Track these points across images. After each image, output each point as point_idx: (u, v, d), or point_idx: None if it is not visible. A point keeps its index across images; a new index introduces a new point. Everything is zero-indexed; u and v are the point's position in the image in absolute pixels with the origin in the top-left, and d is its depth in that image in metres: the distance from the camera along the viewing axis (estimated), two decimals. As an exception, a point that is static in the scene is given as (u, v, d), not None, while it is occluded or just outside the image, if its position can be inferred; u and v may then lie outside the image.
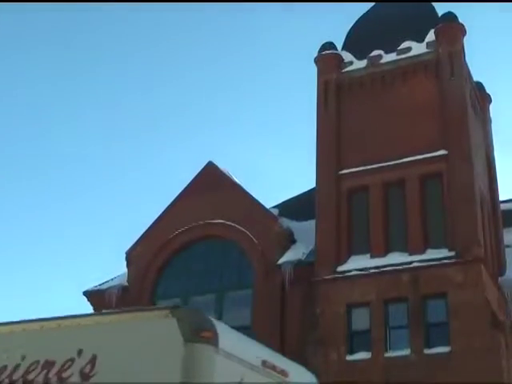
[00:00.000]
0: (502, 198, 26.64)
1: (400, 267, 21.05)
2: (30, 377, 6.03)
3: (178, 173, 66.24)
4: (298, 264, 22.98)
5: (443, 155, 22.12)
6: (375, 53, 24.70)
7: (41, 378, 5.78)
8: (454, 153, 21.98)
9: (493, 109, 27.83)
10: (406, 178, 22.38)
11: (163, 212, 26.37)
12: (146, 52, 68.44)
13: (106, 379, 5.98)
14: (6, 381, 6.14)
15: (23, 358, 5.88)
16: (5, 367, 5.98)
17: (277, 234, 24.09)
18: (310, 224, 23.67)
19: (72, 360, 5.85)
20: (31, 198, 71.06)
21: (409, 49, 24.21)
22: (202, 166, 26.52)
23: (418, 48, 24.11)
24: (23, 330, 6.64)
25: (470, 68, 24.97)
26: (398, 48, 24.34)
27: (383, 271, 21.23)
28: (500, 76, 70.13)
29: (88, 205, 72.17)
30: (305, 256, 23.27)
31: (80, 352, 5.92)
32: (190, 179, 26.47)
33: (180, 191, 26.47)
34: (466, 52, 24.36)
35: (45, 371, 5.81)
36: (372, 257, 21.88)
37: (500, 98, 68.81)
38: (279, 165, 74.34)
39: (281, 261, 23.28)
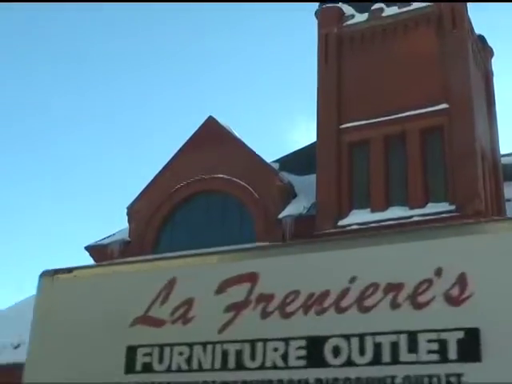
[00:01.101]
0: (502, 151, 26.63)
1: (400, 221, 21.11)
2: (369, 302, 4.84)
3: (178, 128, 66.13)
4: (298, 218, 23.08)
5: (444, 109, 22.05)
6: (376, 6, 24.48)
7: (386, 303, 4.80)
8: (455, 106, 21.91)
9: (495, 63, 27.69)
10: (406, 132, 22.34)
11: (164, 167, 26.38)
12: None
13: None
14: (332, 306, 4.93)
15: (352, 280, 4.93)
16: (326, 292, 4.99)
17: (278, 188, 24.14)
18: (311, 178, 23.70)
19: (429, 281, 4.75)
20: (33, 155, 71.04)
21: (410, 2, 23.97)
22: (203, 121, 26.48)
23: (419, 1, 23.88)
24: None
25: (473, 21, 24.77)
26: (400, 1, 24.09)
27: (384, 225, 21.29)
28: (503, 30, 69.58)
29: (89, 161, 72.19)
30: (306, 210, 23.35)
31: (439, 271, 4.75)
32: (191, 134, 26.45)
33: (180, 146, 26.45)
34: (469, 5, 24.13)
35: (390, 295, 4.80)
36: (373, 211, 21.95)
37: (503, 52, 68.32)
38: (280, 119, 74.17)
39: (282, 215, 23.38)
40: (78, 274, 6.29)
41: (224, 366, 5.13)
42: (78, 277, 6.26)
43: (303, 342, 4.95)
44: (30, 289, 64.35)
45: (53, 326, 6.10)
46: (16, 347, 27.67)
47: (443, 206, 21.04)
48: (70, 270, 6.34)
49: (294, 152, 29.00)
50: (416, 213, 21.15)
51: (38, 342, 6.29)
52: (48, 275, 6.35)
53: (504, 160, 26.78)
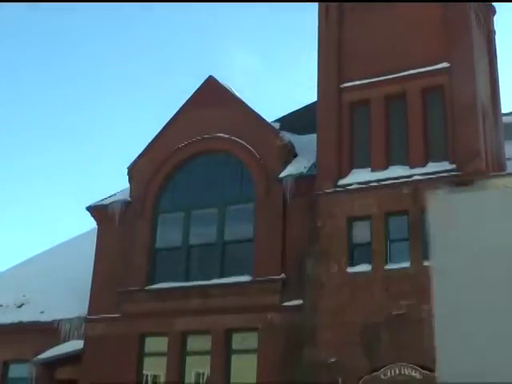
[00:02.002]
0: (504, 110, 26.53)
1: (401, 180, 21.15)
2: None
3: (179, 88, 65.84)
4: (299, 177, 23.11)
5: (445, 68, 21.92)
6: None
7: None
8: (456, 65, 21.78)
9: (497, 20, 27.46)
10: (407, 91, 22.24)
11: (164, 127, 26.34)
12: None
13: None
14: None
15: None
16: None
17: (278, 147, 24.13)
18: (312, 138, 23.67)
19: None
20: (33, 111, 70.84)
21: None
22: (203, 81, 26.36)
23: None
24: None
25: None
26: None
27: (384, 184, 21.35)
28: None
29: (90, 121, 72.02)
30: (306, 169, 23.37)
31: None
32: (191, 94, 26.34)
33: (181, 106, 26.37)
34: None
35: None
36: (373, 170, 21.96)
37: (506, 9, 67.62)
38: (280, 78, 73.77)
39: (282, 174, 23.40)
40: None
41: None
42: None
43: None
44: (30, 251, 64.65)
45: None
46: (19, 306, 27.93)
47: (444, 165, 21.04)
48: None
49: (295, 111, 28.92)
50: (416, 172, 21.16)
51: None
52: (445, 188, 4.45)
53: (505, 119, 26.73)
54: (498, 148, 24.52)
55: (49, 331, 25.80)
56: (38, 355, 25.34)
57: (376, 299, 20.25)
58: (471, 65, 21.82)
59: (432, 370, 19.12)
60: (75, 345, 25.19)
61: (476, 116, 21.28)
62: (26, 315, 27.11)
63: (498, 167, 24.02)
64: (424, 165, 21.31)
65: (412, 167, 21.38)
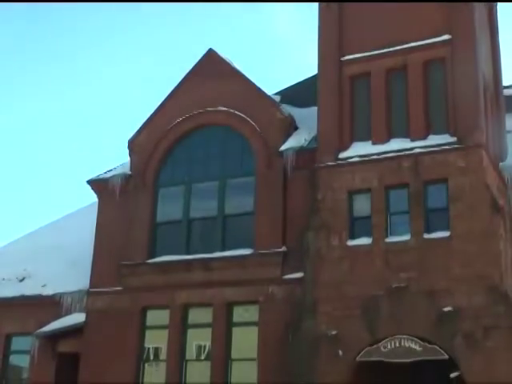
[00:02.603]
0: (505, 83, 26.44)
1: (401, 153, 21.14)
2: None
3: (179, 61, 65.60)
4: (300, 150, 23.09)
5: (447, 40, 21.82)
6: None
7: None
8: (458, 38, 21.67)
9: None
10: (408, 64, 22.15)
11: (164, 100, 26.26)
12: None
13: None
14: None
15: None
16: None
17: (279, 120, 24.08)
18: (312, 111, 23.62)
19: None
20: (33, 83, 70.65)
21: None
22: (203, 53, 26.24)
23: None
24: None
25: None
26: None
27: (385, 157, 21.33)
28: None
29: (90, 94, 71.81)
30: (307, 143, 23.34)
31: None
32: (191, 67, 26.24)
33: (181, 79, 26.27)
34: None
35: None
36: (374, 143, 21.94)
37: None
38: (280, 51, 73.47)
39: (283, 147, 23.37)
40: None
41: None
42: None
43: None
44: (31, 225, 64.73)
45: None
46: (21, 280, 28.06)
47: (444, 138, 21.02)
48: None
49: (296, 84, 28.82)
50: (417, 145, 21.15)
51: None
52: None
53: (506, 92, 26.64)
54: (499, 121, 24.48)
55: (51, 304, 25.94)
56: (40, 328, 25.50)
57: (376, 272, 20.32)
58: (473, 37, 21.71)
59: (431, 342, 19.27)
60: (77, 318, 25.33)
61: (477, 89, 21.21)
62: (28, 289, 27.24)
63: (499, 140, 24.00)
64: (425, 137, 21.29)
65: (413, 140, 21.36)
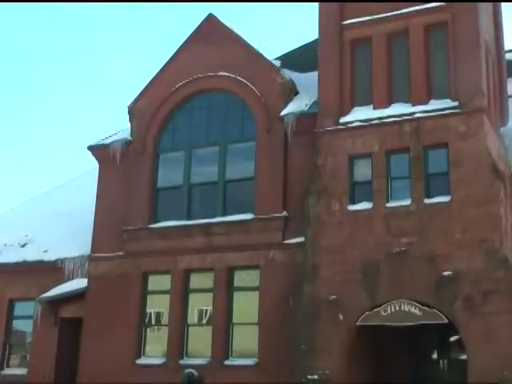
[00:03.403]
0: (507, 47, 26.25)
1: (402, 118, 21.06)
2: None
3: (179, 26, 65.15)
4: (300, 115, 23.02)
5: (448, 4, 21.63)
6: None
7: None
8: (459, 1, 21.47)
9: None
10: (409, 28, 21.95)
11: (164, 65, 26.13)
12: None
13: None
14: None
15: None
16: None
17: (279, 85, 23.97)
18: (313, 75, 23.50)
19: None
20: (33, 47, 70.34)
21: None
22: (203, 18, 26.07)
23: None
24: None
25: None
26: None
27: (385, 122, 21.26)
28: None
29: (90, 62, 71.51)
30: (307, 107, 23.26)
31: None
32: (191, 32, 26.06)
33: (180, 44, 26.11)
34: None
35: None
36: (375, 108, 21.84)
37: None
38: (280, 16, 72.96)
39: (283, 112, 23.31)
40: None
41: None
42: None
43: None
44: (32, 191, 64.82)
45: None
46: (22, 246, 28.18)
47: (446, 103, 20.92)
48: None
49: (296, 49, 28.66)
50: (418, 109, 21.06)
51: None
52: None
53: (508, 56, 26.46)
54: (501, 85, 24.36)
55: (53, 270, 26.09)
56: (42, 294, 25.65)
57: (377, 237, 20.36)
58: (474, 1, 21.52)
59: (431, 307, 19.38)
60: (79, 283, 25.47)
61: (479, 53, 21.06)
62: (30, 254, 27.35)
63: (500, 104, 23.92)
64: (426, 102, 21.18)
65: (414, 105, 21.26)
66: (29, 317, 26.42)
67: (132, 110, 26.09)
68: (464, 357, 19.84)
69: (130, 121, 26.13)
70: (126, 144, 25.72)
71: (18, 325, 27.36)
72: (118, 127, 27.69)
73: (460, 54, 20.99)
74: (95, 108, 74.18)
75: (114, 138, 26.26)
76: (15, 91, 70.26)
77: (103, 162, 26.20)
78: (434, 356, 23.13)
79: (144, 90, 26.15)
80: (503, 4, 26.12)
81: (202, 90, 25.23)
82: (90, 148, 26.58)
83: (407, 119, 20.98)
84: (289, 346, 20.70)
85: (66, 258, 26.14)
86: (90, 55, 73.66)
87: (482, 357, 18.36)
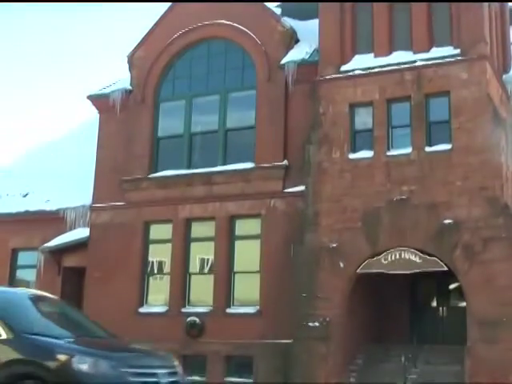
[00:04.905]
0: (510, -6, 25.91)
1: (404, 66, 20.89)
2: None
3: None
4: (301, 63, 22.85)
5: (451, -51, 21.29)
6: None
7: None
8: None
9: None
10: (412, -26, 21.67)
11: (163, 14, 25.86)
12: None
13: None
14: None
15: None
16: None
17: (280, 33, 23.75)
18: (314, 23, 23.25)
19: None
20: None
21: None
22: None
23: None
24: None
25: None
26: None
27: (387, 70, 21.09)
28: None
29: (90, 11, 70.74)
30: (308, 55, 23.07)
31: None
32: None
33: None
34: None
35: None
36: (376, 56, 21.65)
37: None
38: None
39: (284, 60, 23.13)
40: None
41: None
42: None
43: None
44: (33, 142, 64.73)
45: None
46: (24, 196, 28.22)
47: (448, 51, 20.74)
48: None
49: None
50: (420, 57, 20.89)
51: None
52: None
53: (511, 4, 26.15)
54: (503, 33, 24.11)
55: (55, 220, 26.17)
56: (44, 243, 25.77)
57: (377, 185, 20.37)
58: None
59: (431, 254, 19.47)
60: (81, 233, 25.58)
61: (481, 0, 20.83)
62: (32, 204, 27.41)
63: (503, 52, 23.70)
64: (428, 50, 21.00)
65: (415, 52, 21.08)
66: (32, 266, 26.61)
67: (131, 59, 25.89)
68: (463, 304, 20.01)
69: (130, 70, 25.95)
70: (126, 93, 25.58)
71: (21, 274, 27.55)
72: (117, 76, 27.43)
73: (462, 2, 20.72)
74: (96, 56, 73.64)
75: (114, 87, 26.10)
76: (16, 35, 69.71)
77: (103, 111, 26.11)
78: (434, 304, 23.30)
79: (143, 38, 25.92)
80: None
81: (201, 39, 25.00)
82: (90, 97, 26.44)
83: (408, 67, 20.82)
84: (290, 294, 20.85)
85: (67, 208, 26.21)
86: (90, 3, 72.87)
87: (481, 304, 18.51)
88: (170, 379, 9.20)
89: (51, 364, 8.54)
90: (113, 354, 9.15)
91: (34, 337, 9.04)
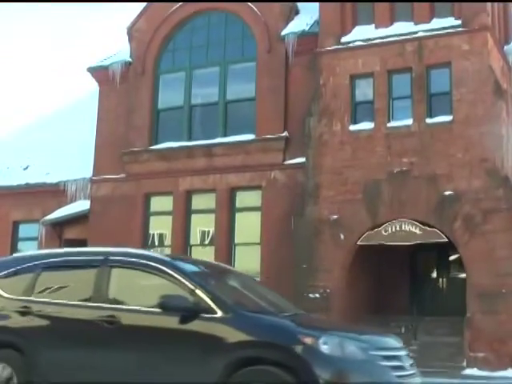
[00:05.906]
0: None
1: (405, 37, 20.77)
2: None
3: None
4: (301, 35, 22.72)
5: None
6: None
7: None
8: None
9: None
10: None
11: (163, -15, 25.67)
12: None
13: None
14: None
15: None
16: None
17: (279, 5, 23.59)
18: (314, -6, 23.10)
19: None
20: None
21: None
22: None
23: None
24: None
25: None
26: None
27: (388, 41, 20.97)
28: None
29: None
30: (308, 27, 22.92)
31: None
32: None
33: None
34: None
35: None
36: (377, 27, 21.51)
37: None
38: None
39: (284, 32, 22.99)
40: None
41: None
42: None
43: None
44: (33, 115, 64.56)
45: None
46: (25, 169, 28.21)
47: (449, 21, 20.61)
48: None
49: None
50: (421, 28, 20.76)
51: None
52: None
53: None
54: (505, 4, 23.94)
55: (55, 192, 26.19)
56: (45, 216, 25.81)
57: (378, 157, 20.34)
58: None
59: (431, 226, 19.50)
60: (82, 205, 25.61)
61: (483, -31, 20.65)
62: (33, 177, 27.41)
63: (504, 23, 23.56)
64: (429, 21, 20.85)
65: (416, 23, 20.95)
66: (33, 238, 26.67)
67: (131, 31, 25.74)
68: (463, 275, 20.08)
69: (129, 42, 25.81)
70: (126, 65, 25.46)
71: (22, 246, 27.60)
72: (116, 48, 27.30)
73: (464, -29, 20.55)
74: (93, 30, 73.24)
75: (114, 59, 25.97)
76: (17, 11, 69.34)
77: (103, 83, 26.01)
78: (434, 275, 23.39)
79: (143, 10, 25.76)
80: None
81: (201, 10, 24.83)
82: (90, 69, 26.33)
83: (409, 38, 20.70)
84: (290, 266, 20.91)
85: (68, 180, 26.22)
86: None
87: (481, 275, 18.57)
88: (410, 362, 8.02)
89: (296, 347, 7.16)
90: (358, 335, 7.72)
91: (258, 315, 7.72)
